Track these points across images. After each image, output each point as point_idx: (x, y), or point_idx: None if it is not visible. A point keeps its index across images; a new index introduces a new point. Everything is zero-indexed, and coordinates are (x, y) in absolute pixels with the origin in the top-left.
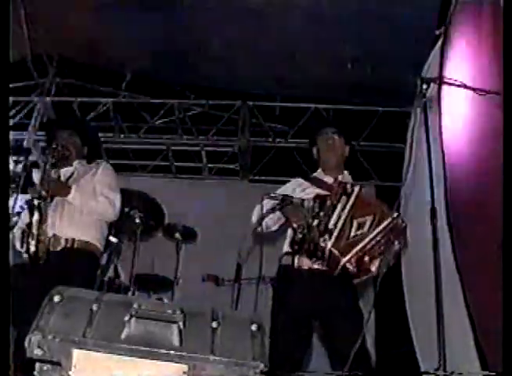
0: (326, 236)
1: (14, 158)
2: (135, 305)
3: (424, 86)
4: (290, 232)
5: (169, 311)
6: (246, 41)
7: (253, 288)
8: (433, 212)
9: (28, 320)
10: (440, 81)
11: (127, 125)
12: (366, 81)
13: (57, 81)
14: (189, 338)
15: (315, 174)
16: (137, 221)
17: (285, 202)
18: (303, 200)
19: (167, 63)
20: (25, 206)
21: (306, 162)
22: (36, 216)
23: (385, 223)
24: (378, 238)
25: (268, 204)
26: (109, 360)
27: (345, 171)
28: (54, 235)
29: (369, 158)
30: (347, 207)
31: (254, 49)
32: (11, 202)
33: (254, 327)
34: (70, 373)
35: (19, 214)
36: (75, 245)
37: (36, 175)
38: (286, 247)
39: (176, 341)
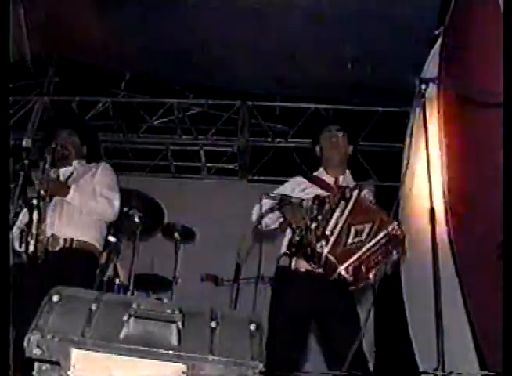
0: (323, 242)
1: (13, 158)
2: (134, 305)
3: (423, 86)
4: (289, 231)
5: (168, 311)
6: (246, 41)
7: (252, 288)
8: (432, 213)
9: (27, 320)
10: (439, 81)
11: (126, 125)
12: (366, 81)
13: (56, 80)
14: (187, 338)
15: (315, 173)
16: (136, 220)
17: (284, 202)
18: (302, 200)
19: (167, 63)
20: (24, 205)
21: (305, 162)
22: (35, 216)
23: (384, 233)
24: (376, 248)
25: (267, 203)
26: (107, 360)
27: (347, 171)
28: (53, 235)
29: (368, 158)
30: (346, 212)
31: (254, 49)
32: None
33: (252, 327)
34: (68, 373)
35: (17, 214)
36: (74, 245)
37: (35, 175)
38: (283, 248)
39: (175, 341)
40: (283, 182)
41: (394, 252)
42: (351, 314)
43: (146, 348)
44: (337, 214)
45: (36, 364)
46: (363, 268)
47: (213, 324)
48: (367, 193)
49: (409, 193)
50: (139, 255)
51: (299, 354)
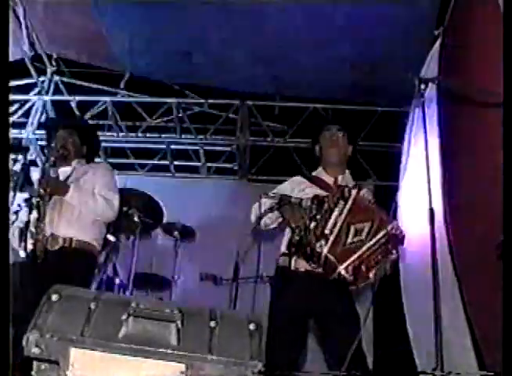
0: (323, 242)
1: (12, 157)
2: (133, 304)
3: (423, 86)
4: (288, 231)
5: (167, 310)
6: (246, 41)
7: (251, 287)
8: (431, 213)
9: (26, 319)
10: (438, 81)
11: (125, 124)
12: (365, 81)
13: (56, 79)
14: (186, 338)
15: (314, 172)
16: (135, 220)
17: (283, 202)
18: (301, 199)
19: (166, 63)
20: (23, 204)
21: (305, 162)
22: (34, 215)
23: (384, 232)
24: (376, 247)
25: (266, 203)
26: (106, 359)
27: (347, 171)
28: (52, 234)
29: (367, 158)
30: (345, 211)
31: (254, 49)
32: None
33: (251, 327)
34: (67, 372)
35: (16, 212)
36: (73, 244)
37: (34, 174)
38: (283, 248)
39: (174, 341)
40: (282, 182)
41: (394, 251)
42: (350, 314)
43: (145, 348)
44: (336, 213)
45: (35, 363)
46: (363, 267)
47: (212, 324)
48: (366, 193)
49: (409, 193)
50: (139, 254)
51: (298, 354)
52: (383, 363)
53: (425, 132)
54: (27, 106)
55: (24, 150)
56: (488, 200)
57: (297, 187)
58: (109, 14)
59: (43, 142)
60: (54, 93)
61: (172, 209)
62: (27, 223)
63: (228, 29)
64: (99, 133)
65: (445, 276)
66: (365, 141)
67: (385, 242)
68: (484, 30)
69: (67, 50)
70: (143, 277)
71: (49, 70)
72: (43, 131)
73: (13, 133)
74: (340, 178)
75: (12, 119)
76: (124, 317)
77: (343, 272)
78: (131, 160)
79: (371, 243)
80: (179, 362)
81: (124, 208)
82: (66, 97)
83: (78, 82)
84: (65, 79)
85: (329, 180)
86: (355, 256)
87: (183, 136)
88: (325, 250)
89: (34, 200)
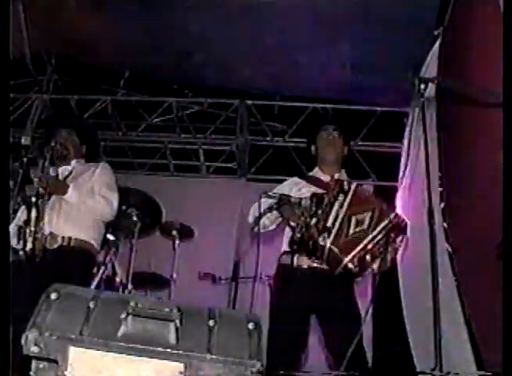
0: (325, 235)
1: (12, 155)
2: (132, 303)
3: (422, 86)
4: (287, 230)
5: (166, 309)
6: (246, 41)
7: (249, 287)
8: (430, 213)
9: (24, 318)
10: (438, 81)
11: (125, 123)
12: (365, 80)
13: (55, 78)
14: (185, 337)
15: (311, 172)
16: (134, 219)
17: (282, 201)
18: (300, 199)
19: (166, 62)
20: (22, 203)
21: (304, 161)
22: (33, 213)
23: (386, 221)
24: (380, 237)
25: (265, 203)
26: (105, 358)
27: (342, 170)
28: (51, 233)
29: (367, 158)
30: (345, 204)
31: (254, 48)
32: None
33: (250, 326)
34: (66, 372)
35: (16, 211)
36: (72, 243)
37: (34, 173)
38: (285, 246)
39: (173, 340)
40: (281, 181)
41: (398, 240)
42: (352, 311)
43: (144, 347)
44: (336, 206)
45: (33, 362)
46: (368, 258)
47: (211, 323)
48: (366, 187)
49: (408, 193)
50: (137, 254)
51: (300, 352)
52: (382, 364)
53: (425, 132)
54: (26, 104)
55: (24, 149)
56: (488, 200)
57: (294, 187)
58: (110, 13)
59: (43, 141)
60: (53, 92)
61: (171, 208)
62: (26, 222)
63: (228, 29)
64: (99, 132)
65: (443, 277)
66: (365, 141)
67: (388, 231)
68: (484, 30)
69: (67, 49)
70: (142, 276)
71: (49, 69)
72: (43, 130)
73: (13, 132)
74: (336, 175)
75: (11, 117)
76: (123, 316)
77: (349, 264)
78: (131, 159)
79: (374, 233)
80: (178, 361)
81: (123, 207)
82: (65, 96)
83: (78, 81)
84: (64, 78)
85: (326, 179)
86: (360, 247)
87: (183, 135)
88: (328, 242)
89: (33, 199)
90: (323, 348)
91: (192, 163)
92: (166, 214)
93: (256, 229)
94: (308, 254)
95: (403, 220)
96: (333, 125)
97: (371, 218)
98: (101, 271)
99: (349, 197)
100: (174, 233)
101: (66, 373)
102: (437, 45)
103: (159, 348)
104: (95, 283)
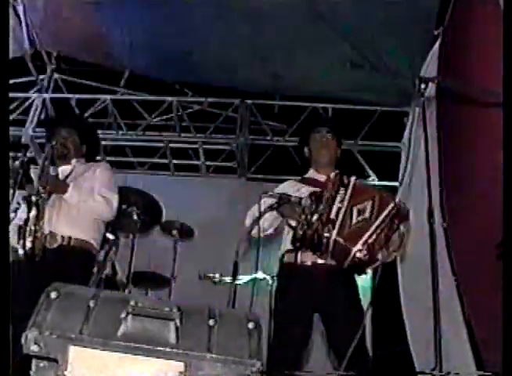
0: (330, 226)
1: (12, 154)
2: (132, 303)
3: (423, 86)
4: (287, 230)
5: (166, 308)
6: (246, 40)
7: (249, 286)
8: (430, 213)
9: (24, 317)
10: (438, 80)
11: (125, 122)
12: (365, 80)
13: (55, 77)
14: (185, 336)
15: (307, 174)
16: (134, 218)
17: (282, 200)
18: (300, 198)
19: (166, 62)
20: (22, 202)
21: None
22: (33, 213)
23: (389, 208)
24: (384, 225)
25: (265, 203)
26: (105, 357)
27: (336, 171)
28: (50, 232)
29: (367, 157)
30: (346, 197)
31: (254, 48)
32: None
33: (250, 325)
34: (65, 372)
35: (15, 210)
36: (71, 243)
37: (34, 172)
38: (288, 245)
39: (173, 339)
40: (281, 181)
41: (402, 227)
42: (355, 308)
43: (144, 346)
44: (338, 199)
45: (33, 361)
46: (376, 246)
47: (211, 322)
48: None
49: (408, 193)
50: (137, 253)
51: (303, 350)
52: (381, 364)
53: (425, 132)
54: (26, 103)
55: (24, 148)
56: (488, 200)
57: (292, 188)
58: (110, 12)
59: (42, 141)
60: (54, 91)
61: (171, 208)
62: (26, 221)
63: (228, 29)
64: (99, 131)
65: (443, 277)
66: (365, 140)
67: (392, 218)
68: (484, 30)
69: (67, 48)
70: (142, 276)
71: (49, 68)
72: (43, 129)
73: (13, 131)
74: (332, 175)
75: (11, 117)
76: (122, 315)
77: (358, 254)
78: (131, 159)
79: (378, 222)
80: (178, 360)
81: (123, 207)
82: (65, 95)
83: (78, 80)
84: (65, 77)
85: (322, 178)
86: (366, 235)
87: (183, 135)
88: (334, 234)
89: (33, 198)
90: (326, 344)
91: (192, 162)
92: (166, 213)
93: (253, 233)
94: (312, 249)
95: (405, 207)
96: (326, 127)
97: (372, 206)
98: (101, 270)
99: (349, 190)
100: (175, 232)
101: (66, 372)
102: (437, 45)
103: (159, 348)
104: (94, 282)
